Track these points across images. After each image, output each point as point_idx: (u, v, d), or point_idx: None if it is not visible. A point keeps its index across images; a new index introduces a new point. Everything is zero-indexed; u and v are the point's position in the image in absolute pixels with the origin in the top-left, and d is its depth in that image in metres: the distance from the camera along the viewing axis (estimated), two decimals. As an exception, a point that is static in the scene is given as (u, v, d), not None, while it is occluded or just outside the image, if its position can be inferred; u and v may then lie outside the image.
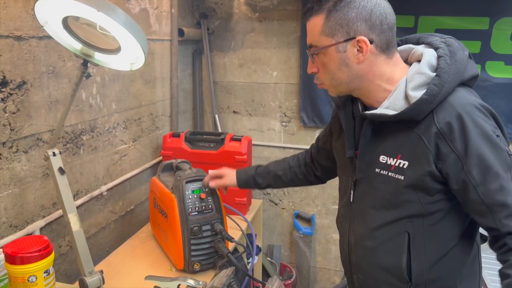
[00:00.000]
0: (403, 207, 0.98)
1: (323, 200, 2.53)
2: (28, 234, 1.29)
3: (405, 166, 0.96)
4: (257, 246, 2.14)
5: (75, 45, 1.05)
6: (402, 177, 0.96)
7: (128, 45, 0.95)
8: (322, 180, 1.40)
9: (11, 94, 1.21)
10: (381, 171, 1.00)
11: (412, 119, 0.94)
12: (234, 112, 2.56)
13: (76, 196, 1.53)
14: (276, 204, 2.62)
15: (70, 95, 1.06)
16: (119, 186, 1.81)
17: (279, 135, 2.53)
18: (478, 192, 0.89)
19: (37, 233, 1.32)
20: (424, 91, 0.91)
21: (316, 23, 0.96)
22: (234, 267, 1.13)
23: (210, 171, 1.53)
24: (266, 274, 2.46)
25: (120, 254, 1.59)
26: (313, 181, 1.40)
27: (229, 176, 1.44)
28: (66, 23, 0.98)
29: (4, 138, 1.20)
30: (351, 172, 1.09)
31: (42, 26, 1.01)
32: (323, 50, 0.96)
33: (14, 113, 1.23)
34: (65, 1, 0.86)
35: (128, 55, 0.97)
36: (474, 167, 0.89)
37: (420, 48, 1.00)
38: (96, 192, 1.63)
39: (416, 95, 0.92)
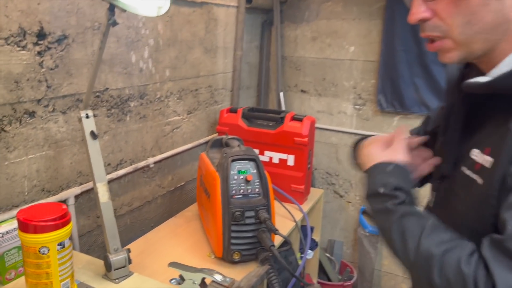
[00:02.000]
0: (488, 222, 0.63)
1: (396, 197, 2.21)
2: (61, 201, 1.21)
3: (488, 165, 0.64)
4: (313, 241, 1.92)
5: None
6: (482, 181, 0.65)
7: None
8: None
9: (49, 48, 1.12)
10: (467, 171, 0.70)
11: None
12: (302, 91, 2.33)
13: (119, 165, 1.44)
14: (341, 196, 2.36)
15: (99, 48, 0.93)
16: (169, 160, 1.70)
17: (350, 120, 2.25)
18: None
19: (72, 200, 1.24)
20: None
21: None
22: (268, 266, 0.93)
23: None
24: (323, 272, 2.23)
25: (161, 232, 1.48)
26: None
27: None
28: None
29: (39, 95, 1.11)
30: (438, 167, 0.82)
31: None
32: None
33: (52, 69, 1.14)
34: None
35: (155, -3, 0.81)
36: None
37: None
38: (142, 164, 1.53)
39: None
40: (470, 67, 0.76)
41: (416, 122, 2.08)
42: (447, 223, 0.70)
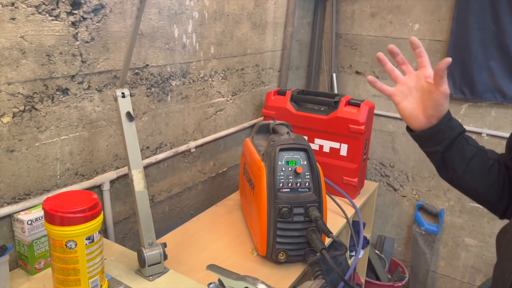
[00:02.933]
0: None
1: (458, 193, 1.98)
2: (96, 186, 1.13)
3: None
4: (365, 238, 1.75)
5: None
6: None
7: None
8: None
9: (84, 19, 1.01)
10: None
11: None
12: (356, 72, 2.12)
13: (158, 149, 1.34)
14: (395, 190, 2.16)
15: (136, 17, 0.80)
16: (211, 144, 1.58)
17: (410, 106, 2.02)
18: None
19: (107, 185, 1.15)
20: None
21: None
22: (323, 281, 0.79)
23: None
24: (371, 270, 2.07)
25: (201, 222, 1.38)
26: (500, 196, 0.88)
27: None
28: None
29: (73, 70, 1.02)
30: None
31: None
32: None
33: (87, 42, 1.03)
34: None
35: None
36: None
37: None
38: (183, 148, 1.42)
39: None
40: None
41: (487, 111, 1.84)
42: None
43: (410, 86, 0.87)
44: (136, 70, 1.19)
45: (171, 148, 1.39)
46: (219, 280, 0.86)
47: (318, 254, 1.03)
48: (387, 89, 0.90)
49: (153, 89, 1.27)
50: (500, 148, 1.86)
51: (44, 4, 0.92)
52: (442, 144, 0.85)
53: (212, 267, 0.86)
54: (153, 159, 1.30)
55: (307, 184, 1.13)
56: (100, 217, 0.84)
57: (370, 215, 1.80)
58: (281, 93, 1.67)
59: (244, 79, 1.69)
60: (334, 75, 2.10)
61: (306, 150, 1.15)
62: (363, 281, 1.88)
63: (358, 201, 1.57)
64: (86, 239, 0.82)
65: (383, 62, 0.90)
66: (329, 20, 2.08)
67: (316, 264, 1.05)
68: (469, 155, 0.86)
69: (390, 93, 0.90)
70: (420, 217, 2.07)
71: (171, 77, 1.33)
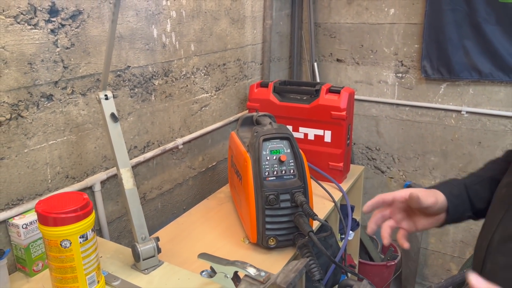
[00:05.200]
0: None
1: (444, 171, 2.05)
2: (87, 187, 1.16)
3: None
4: (355, 220, 1.80)
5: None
6: None
7: None
8: None
9: (63, 25, 1.04)
10: None
11: None
12: (337, 60, 2.17)
13: (146, 148, 1.37)
14: (382, 172, 2.22)
15: (111, 21, 0.83)
16: (199, 140, 1.62)
17: (392, 89, 2.07)
18: None
19: (98, 186, 1.18)
20: None
21: None
22: (307, 259, 0.83)
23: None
24: (364, 251, 2.12)
25: (193, 216, 1.41)
26: None
27: (433, 192, 0.83)
28: None
29: (56, 76, 1.04)
30: None
31: None
32: None
33: (67, 48, 1.06)
34: None
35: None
36: None
37: None
38: (170, 145, 1.45)
39: None
40: None
41: (465, 89, 1.89)
42: None
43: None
44: (118, 72, 1.22)
45: (159, 146, 1.42)
46: (211, 268, 0.90)
47: (306, 237, 1.08)
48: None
49: (136, 90, 1.30)
50: (480, 124, 1.92)
51: (22, 14, 0.94)
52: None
53: (203, 256, 0.90)
54: (141, 158, 1.33)
55: (291, 171, 1.17)
56: (92, 216, 0.88)
57: (358, 198, 1.85)
58: (263, 85, 1.71)
59: (226, 74, 1.72)
60: (315, 64, 2.13)
61: (288, 139, 1.18)
62: (356, 262, 1.94)
63: (345, 185, 1.62)
64: (80, 237, 0.85)
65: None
66: (307, 11, 2.11)
67: (305, 247, 1.09)
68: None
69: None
70: (408, 196, 2.13)
71: (154, 77, 1.36)
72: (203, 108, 1.62)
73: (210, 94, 1.64)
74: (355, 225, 1.80)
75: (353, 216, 1.81)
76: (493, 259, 0.70)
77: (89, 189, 1.17)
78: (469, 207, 0.83)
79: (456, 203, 0.83)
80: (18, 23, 0.94)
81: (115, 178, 1.25)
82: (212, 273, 0.89)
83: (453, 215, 0.83)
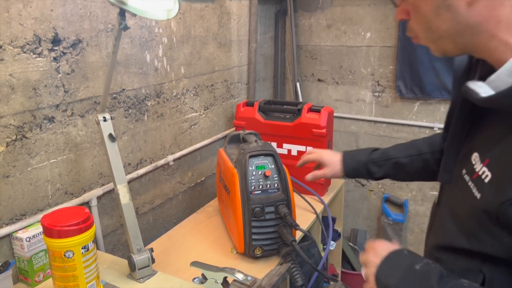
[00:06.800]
0: (477, 239, 0.64)
1: (419, 184, 2.18)
2: (84, 203, 1.24)
3: (486, 180, 0.62)
4: (336, 231, 1.90)
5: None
6: (479, 195, 0.63)
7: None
8: None
9: (64, 53, 1.13)
10: (465, 175, 0.69)
11: None
12: (318, 80, 2.30)
13: (139, 164, 1.45)
14: (362, 186, 2.33)
15: (112, 52, 0.93)
16: (188, 156, 1.71)
17: (370, 107, 2.21)
18: None
19: (94, 201, 1.26)
20: None
21: None
22: (289, 264, 0.93)
23: (307, 151, 1.39)
24: (346, 261, 2.22)
25: (184, 228, 1.49)
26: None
27: (332, 165, 1.19)
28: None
29: (57, 100, 1.13)
30: None
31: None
32: None
33: (68, 74, 1.15)
34: None
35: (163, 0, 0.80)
36: None
37: None
38: (162, 162, 1.54)
39: None
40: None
41: (437, 107, 2.03)
42: (448, 222, 0.71)
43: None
44: (114, 95, 1.31)
45: (151, 163, 1.51)
46: (202, 275, 0.99)
47: (289, 246, 1.17)
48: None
49: (130, 111, 1.39)
50: (450, 139, 2.05)
51: (28, 44, 1.04)
52: (365, 174, 1.15)
53: (195, 263, 0.99)
54: (135, 174, 1.42)
55: (275, 185, 1.27)
56: (93, 229, 0.96)
57: (339, 210, 1.95)
58: (249, 104, 1.82)
59: (214, 94, 1.83)
60: (298, 84, 2.26)
61: (273, 155, 1.29)
62: (339, 271, 2.03)
63: (327, 198, 1.72)
64: (82, 248, 0.93)
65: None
66: (290, 34, 2.24)
67: (288, 255, 1.19)
68: (395, 168, 1.09)
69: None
70: (387, 208, 2.25)
71: (146, 98, 1.45)
72: (192, 127, 1.71)
73: (199, 113, 1.74)
74: (337, 235, 1.90)
75: (335, 227, 1.91)
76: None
77: (86, 204, 1.25)
78: (365, 174, 1.14)
79: (352, 174, 1.18)
80: (25, 52, 1.03)
81: (110, 194, 1.33)
82: (204, 279, 0.98)
83: (350, 175, 1.19)
